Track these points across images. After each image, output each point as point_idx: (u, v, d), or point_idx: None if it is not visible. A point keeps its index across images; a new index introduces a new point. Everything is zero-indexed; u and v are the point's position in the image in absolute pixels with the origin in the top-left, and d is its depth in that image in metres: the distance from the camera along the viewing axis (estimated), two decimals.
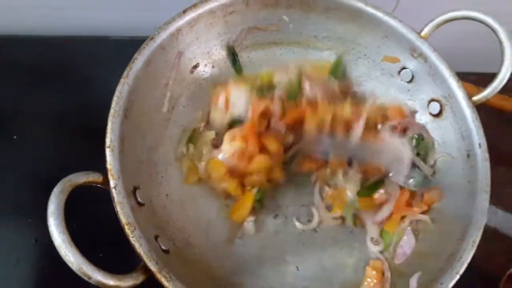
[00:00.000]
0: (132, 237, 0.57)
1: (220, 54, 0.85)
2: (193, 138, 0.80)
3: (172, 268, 0.58)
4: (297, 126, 0.81)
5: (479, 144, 0.74)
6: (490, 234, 0.69)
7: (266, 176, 0.79)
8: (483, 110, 0.78)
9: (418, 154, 0.82)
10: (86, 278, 0.52)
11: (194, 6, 0.77)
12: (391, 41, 0.84)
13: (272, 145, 0.77)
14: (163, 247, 0.65)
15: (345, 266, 0.78)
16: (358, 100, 0.86)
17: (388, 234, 0.79)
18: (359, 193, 0.79)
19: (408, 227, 0.79)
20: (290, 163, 0.83)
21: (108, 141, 0.63)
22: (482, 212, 0.70)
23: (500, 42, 0.76)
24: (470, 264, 0.66)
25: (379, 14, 0.82)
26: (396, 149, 0.81)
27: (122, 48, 0.78)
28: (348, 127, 0.79)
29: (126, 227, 0.58)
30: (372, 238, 0.79)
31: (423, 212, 0.79)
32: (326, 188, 0.82)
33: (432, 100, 0.83)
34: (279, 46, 0.89)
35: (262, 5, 0.83)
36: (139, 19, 0.98)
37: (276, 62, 0.88)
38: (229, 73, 0.86)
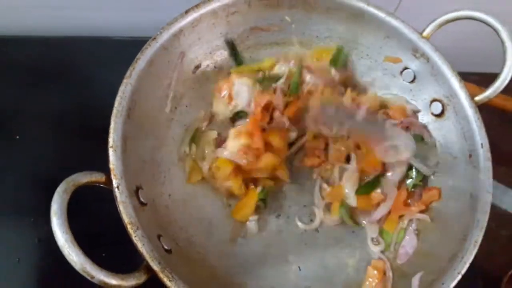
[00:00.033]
0: (135, 236, 0.58)
1: (223, 54, 0.85)
2: (195, 137, 0.81)
3: (174, 268, 0.58)
4: (299, 119, 0.82)
5: (481, 144, 0.74)
6: (491, 235, 0.69)
7: (271, 175, 0.80)
8: (485, 110, 0.78)
9: (415, 155, 0.82)
10: (89, 278, 0.53)
11: (197, 6, 0.77)
12: (393, 41, 0.84)
13: (276, 141, 0.78)
14: (166, 247, 0.65)
15: (347, 266, 0.78)
16: (358, 91, 0.87)
17: (388, 234, 0.80)
18: (357, 191, 0.79)
19: (410, 227, 0.79)
20: (293, 159, 0.84)
21: (111, 141, 0.63)
22: (484, 212, 0.69)
23: (502, 42, 0.76)
24: (472, 264, 0.66)
25: (381, 14, 0.82)
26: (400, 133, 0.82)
27: (123, 49, 0.78)
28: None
29: (128, 226, 0.58)
30: (372, 239, 0.80)
31: (422, 211, 0.79)
32: (325, 186, 0.83)
33: (434, 100, 0.82)
34: (281, 46, 0.89)
35: (264, 6, 0.83)
36: (140, 19, 0.98)
37: None
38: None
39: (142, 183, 0.68)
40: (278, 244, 0.78)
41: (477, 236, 0.68)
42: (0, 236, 0.78)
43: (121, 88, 0.67)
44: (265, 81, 0.83)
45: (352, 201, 0.79)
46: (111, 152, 0.62)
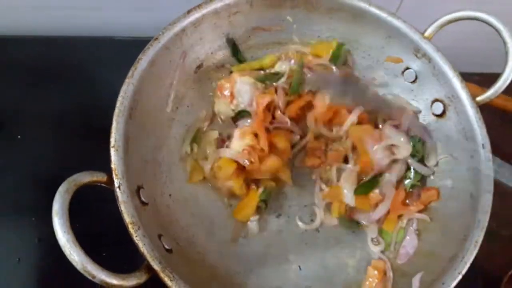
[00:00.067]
0: (136, 236, 0.58)
1: (224, 54, 0.86)
2: (197, 137, 0.81)
3: (175, 267, 0.59)
4: (300, 119, 0.82)
5: (483, 144, 0.74)
6: (492, 235, 0.69)
7: (273, 176, 0.80)
8: (486, 110, 0.77)
9: (414, 155, 0.82)
10: (90, 277, 0.53)
11: (199, 6, 0.77)
12: (395, 41, 0.84)
13: (282, 142, 0.78)
14: (167, 246, 0.65)
15: (347, 266, 0.78)
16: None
17: (387, 234, 0.80)
18: (355, 191, 0.79)
19: (411, 227, 0.79)
20: (293, 159, 0.84)
21: (112, 140, 0.63)
22: (485, 213, 0.69)
23: (504, 42, 0.76)
24: (472, 264, 0.66)
25: (383, 15, 0.82)
26: (403, 102, 0.84)
27: (124, 49, 0.78)
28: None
29: (130, 226, 0.58)
30: (372, 239, 0.80)
31: (421, 211, 0.80)
32: (323, 186, 0.83)
33: (436, 100, 0.82)
34: (283, 46, 0.89)
35: (266, 6, 0.83)
36: (141, 19, 0.98)
37: None
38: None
39: (144, 183, 0.68)
40: (279, 244, 0.78)
41: (478, 236, 0.68)
42: (0, 236, 0.78)
43: (123, 88, 0.67)
44: (266, 79, 0.83)
45: (351, 201, 0.79)
46: (112, 152, 0.62)
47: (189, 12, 0.77)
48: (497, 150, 0.74)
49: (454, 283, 0.65)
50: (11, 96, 0.91)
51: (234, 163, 0.76)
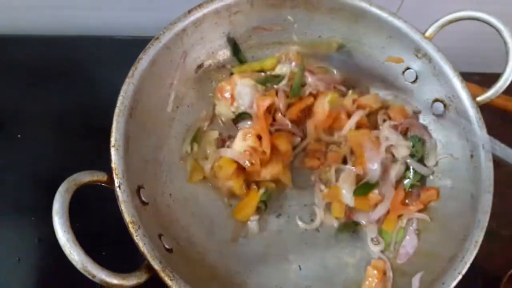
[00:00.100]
0: (136, 236, 0.58)
1: (225, 54, 0.86)
2: (197, 137, 0.81)
3: (175, 267, 0.59)
4: (301, 121, 0.82)
5: (483, 145, 0.74)
6: (492, 235, 0.69)
7: (274, 178, 0.80)
8: (486, 110, 0.77)
9: (413, 156, 0.82)
10: (90, 277, 0.53)
11: (199, 6, 0.77)
12: (396, 41, 0.84)
13: (284, 144, 0.79)
14: (167, 246, 0.65)
15: (347, 266, 0.78)
16: (360, 90, 0.87)
17: (387, 233, 0.80)
18: (355, 192, 0.79)
19: (411, 227, 0.79)
20: (293, 159, 0.84)
21: (113, 140, 0.63)
22: (485, 213, 0.69)
23: (505, 43, 0.76)
24: (472, 264, 0.66)
25: (384, 15, 0.82)
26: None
27: (125, 48, 0.78)
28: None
29: (130, 225, 0.58)
30: (372, 238, 0.80)
31: (421, 211, 0.80)
32: (322, 187, 0.83)
33: (436, 100, 0.82)
34: (284, 46, 0.89)
35: (267, 6, 0.83)
36: (141, 19, 0.98)
37: None
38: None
39: (144, 182, 0.68)
40: (279, 243, 0.78)
41: (478, 237, 0.68)
42: (0, 236, 0.78)
43: (124, 87, 0.67)
44: (267, 82, 0.83)
45: (350, 201, 0.79)
46: (113, 151, 0.62)
47: (190, 11, 0.77)
48: None
49: (454, 283, 0.65)
50: (11, 96, 0.91)
51: (234, 163, 0.76)
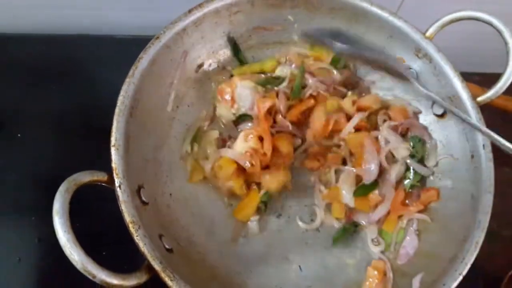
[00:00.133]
0: (137, 236, 0.58)
1: (225, 53, 0.86)
2: (197, 137, 0.81)
3: (175, 267, 0.59)
4: (301, 123, 0.82)
5: (483, 145, 0.74)
6: (492, 235, 0.69)
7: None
8: (487, 110, 0.77)
9: (413, 156, 0.82)
10: (90, 277, 0.53)
11: (200, 5, 0.77)
12: (396, 41, 0.84)
13: (285, 146, 0.79)
14: (167, 246, 0.65)
15: (347, 266, 0.78)
16: (361, 90, 0.87)
17: (388, 234, 0.80)
18: (355, 193, 0.79)
19: (411, 228, 0.79)
20: (294, 160, 0.84)
21: (113, 140, 0.63)
22: (486, 213, 0.69)
23: (505, 43, 0.76)
24: (472, 265, 0.66)
25: (385, 14, 0.81)
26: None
27: (125, 47, 0.78)
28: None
29: (130, 226, 0.58)
30: (372, 239, 0.80)
31: (421, 212, 0.80)
32: (322, 188, 0.83)
33: None
34: (284, 46, 0.89)
35: (267, 5, 0.83)
36: (142, 18, 0.98)
37: None
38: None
39: (144, 182, 0.68)
40: (279, 243, 0.78)
41: (478, 237, 0.68)
42: (1, 236, 0.78)
43: (124, 87, 0.67)
44: (267, 83, 0.83)
45: (350, 201, 0.79)
46: (113, 151, 0.62)
47: (190, 11, 0.77)
48: (498, 150, 0.74)
49: (455, 284, 0.65)
50: (11, 96, 0.90)
51: (234, 163, 0.76)
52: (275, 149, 0.77)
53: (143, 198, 0.65)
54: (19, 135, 0.86)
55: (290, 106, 0.82)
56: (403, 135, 0.84)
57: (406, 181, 0.83)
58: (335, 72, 0.86)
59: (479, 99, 0.78)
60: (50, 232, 0.53)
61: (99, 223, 0.77)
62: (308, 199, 0.82)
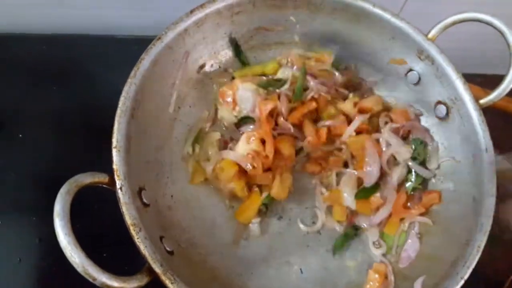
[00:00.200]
0: (137, 238, 0.57)
1: (227, 54, 0.85)
2: (199, 138, 0.81)
3: (176, 270, 0.58)
4: (303, 125, 0.82)
5: (486, 148, 0.74)
6: (494, 239, 0.69)
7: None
8: (489, 112, 0.77)
9: (415, 158, 0.82)
10: (91, 280, 0.52)
11: (201, 6, 0.77)
12: (398, 42, 0.83)
13: (287, 148, 0.78)
14: (168, 248, 0.65)
15: (349, 269, 0.78)
16: (363, 92, 0.87)
17: (389, 237, 0.80)
18: (356, 195, 0.79)
19: (412, 231, 0.79)
20: (296, 163, 0.84)
21: (114, 141, 0.62)
22: (488, 216, 0.69)
23: (508, 45, 0.75)
24: (474, 269, 0.66)
25: (387, 16, 0.81)
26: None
27: (126, 47, 0.78)
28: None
29: (131, 228, 0.58)
30: (374, 242, 0.79)
31: (423, 214, 0.79)
32: (323, 190, 0.82)
33: (439, 102, 0.82)
34: (286, 46, 0.88)
35: (269, 6, 0.83)
36: (143, 18, 0.98)
37: None
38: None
39: (145, 184, 0.67)
40: (280, 246, 0.78)
41: (480, 241, 0.68)
42: (1, 236, 0.78)
43: (125, 88, 0.67)
44: (269, 86, 0.82)
45: (351, 204, 0.79)
46: (114, 152, 0.62)
47: (192, 11, 0.76)
48: (499, 151, 0.74)
49: None
50: (11, 96, 0.90)
51: (236, 165, 0.75)
52: (276, 152, 0.77)
53: (144, 200, 0.65)
54: (19, 135, 0.86)
55: (291, 108, 0.81)
56: (405, 138, 0.84)
57: (408, 184, 0.83)
58: (336, 73, 0.86)
59: (482, 101, 0.77)
60: (51, 232, 0.53)
61: (100, 225, 0.77)
62: (309, 202, 0.82)
